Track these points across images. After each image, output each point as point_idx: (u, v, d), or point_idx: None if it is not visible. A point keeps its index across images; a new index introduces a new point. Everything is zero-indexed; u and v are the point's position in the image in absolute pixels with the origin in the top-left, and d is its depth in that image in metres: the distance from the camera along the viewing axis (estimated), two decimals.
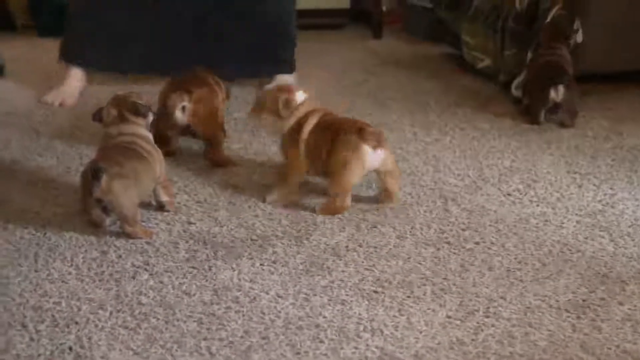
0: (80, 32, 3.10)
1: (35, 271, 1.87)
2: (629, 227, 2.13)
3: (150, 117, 2.17)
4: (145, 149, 2.09)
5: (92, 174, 1.93)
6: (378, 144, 2.12)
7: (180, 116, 2.42)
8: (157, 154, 2.13)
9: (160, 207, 2.18)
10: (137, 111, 2.13)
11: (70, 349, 1.58)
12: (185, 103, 2.41)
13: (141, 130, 2.14)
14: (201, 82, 2.51)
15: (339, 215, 2.16)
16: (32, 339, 1.61)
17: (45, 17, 4.16)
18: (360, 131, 2.12)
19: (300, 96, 2.25)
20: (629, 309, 1.73)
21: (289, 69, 3.29)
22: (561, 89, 2.81)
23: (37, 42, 4.06)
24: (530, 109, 2.93)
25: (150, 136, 2.16)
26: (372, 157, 2.13)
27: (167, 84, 2.57)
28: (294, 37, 3.31)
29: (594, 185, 2.39)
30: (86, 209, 2.04)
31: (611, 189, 2.36)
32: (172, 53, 3.10)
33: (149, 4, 3.08)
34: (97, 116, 2.15)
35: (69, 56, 3.15)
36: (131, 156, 2.04)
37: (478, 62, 3.42)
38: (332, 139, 2.15)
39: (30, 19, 4.25)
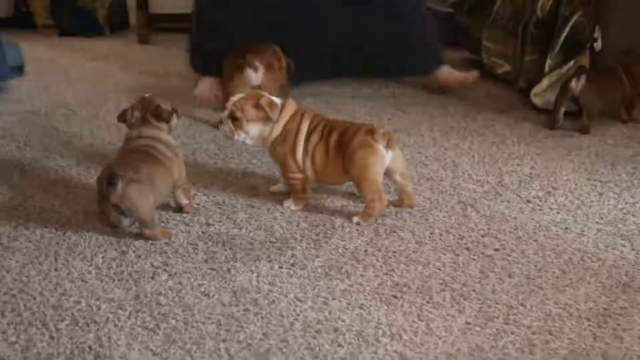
0: (212, 49, 3.14)
1: (55, 270, 1.88)
2: None
3: (175, 121, 2.18)
4: (162, 153, 2.09)
5: (108, 180, 1.93)
6: (388, 144, 2.12)
7: (254, 76, 2.74)
8: (176, 158, 2.13)
9: (179, 208, 2.18)
10: (160, 115, 2.13)
11: (90, 348, 1.59)
12: (259, 65, 2.75)
13: (162, 134, 2.14)
14: (265, 49, 2.85)
15: None
16: (52, 338, 1.62)
17: (67, 17, 4.20)
18: (371, 132, 2.12)
19: (275, 98, 2.22)
20: None
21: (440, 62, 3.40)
22: (582, 80, 2.79)
23: (57, 41, 4.09)
24: (553, 104, 2.91)
25: (171, 141, 2.16)
26: (386, 155, 2.13)
27: (232, 54, 2.87)
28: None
29: (615, 193, 2.37)
30: (104, 213, 2.04)
31: (632, 197, 2.35)
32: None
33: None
34: (122, 117, 2.16)
35: (199, 69, 3.26)
36: (146, 160, 2.04)
37: (498, 68, 3.41)
38: (339, 140, 2.14)
39: (50, 19, 4.28)
